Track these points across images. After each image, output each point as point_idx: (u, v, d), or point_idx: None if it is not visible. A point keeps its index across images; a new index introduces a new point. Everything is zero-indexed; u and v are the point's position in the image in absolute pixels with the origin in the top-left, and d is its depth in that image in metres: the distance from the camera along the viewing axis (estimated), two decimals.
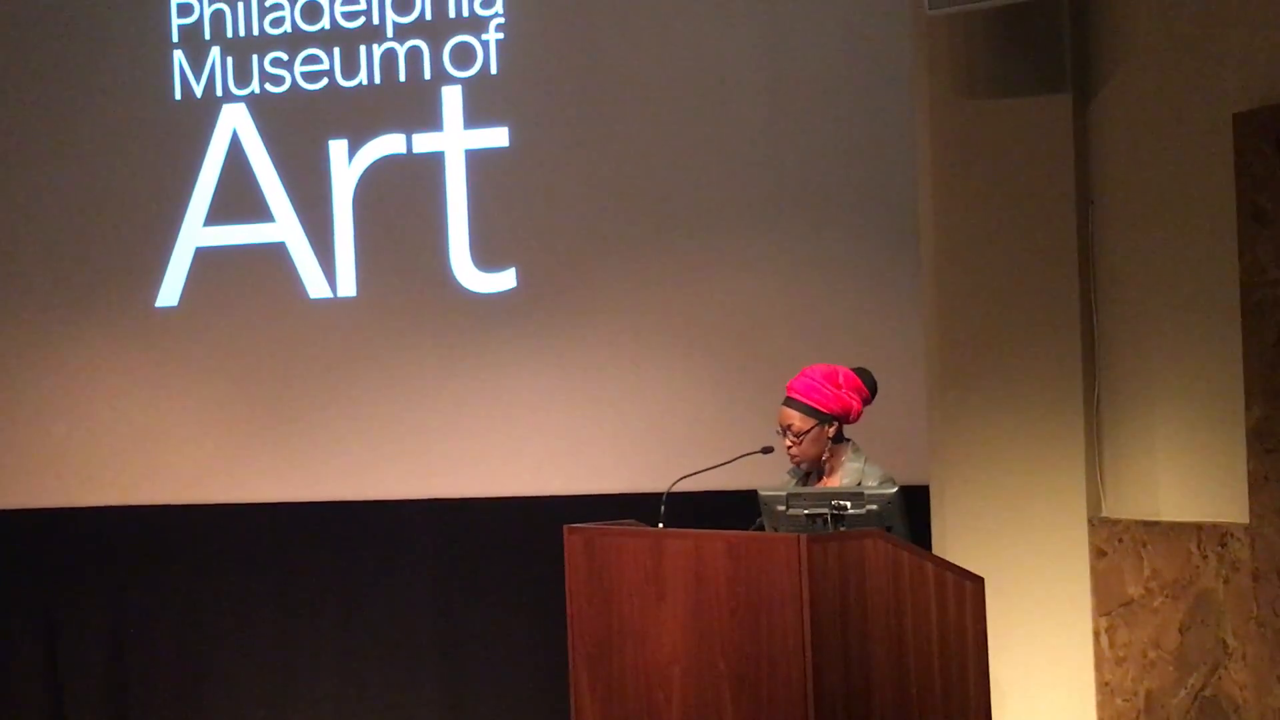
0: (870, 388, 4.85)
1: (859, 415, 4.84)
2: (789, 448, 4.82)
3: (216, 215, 7.03)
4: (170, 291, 7.07)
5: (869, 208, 6.49)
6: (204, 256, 7.04)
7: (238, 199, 7.00)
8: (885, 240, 6.43)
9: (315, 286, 6.96)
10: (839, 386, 4.80)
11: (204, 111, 7.04)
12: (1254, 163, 4.87)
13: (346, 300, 6.93)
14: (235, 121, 7.02)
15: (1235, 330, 4.93)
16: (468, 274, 6.84)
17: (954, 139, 5.62)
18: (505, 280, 6.81)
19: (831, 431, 4.81)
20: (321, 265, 6.95)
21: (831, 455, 4.83)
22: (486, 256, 6.83)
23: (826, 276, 6.53)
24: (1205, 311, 5.13)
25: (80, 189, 7.13)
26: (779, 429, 4.82)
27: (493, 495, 6.74)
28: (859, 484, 4.73)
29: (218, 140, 7.02)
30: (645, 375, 6.68)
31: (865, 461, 4.83)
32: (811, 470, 4.88)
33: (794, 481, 4.91)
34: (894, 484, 4.62)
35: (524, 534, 6.60)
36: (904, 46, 6.04)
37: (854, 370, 4.86)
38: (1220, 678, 5.05)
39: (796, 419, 4.79)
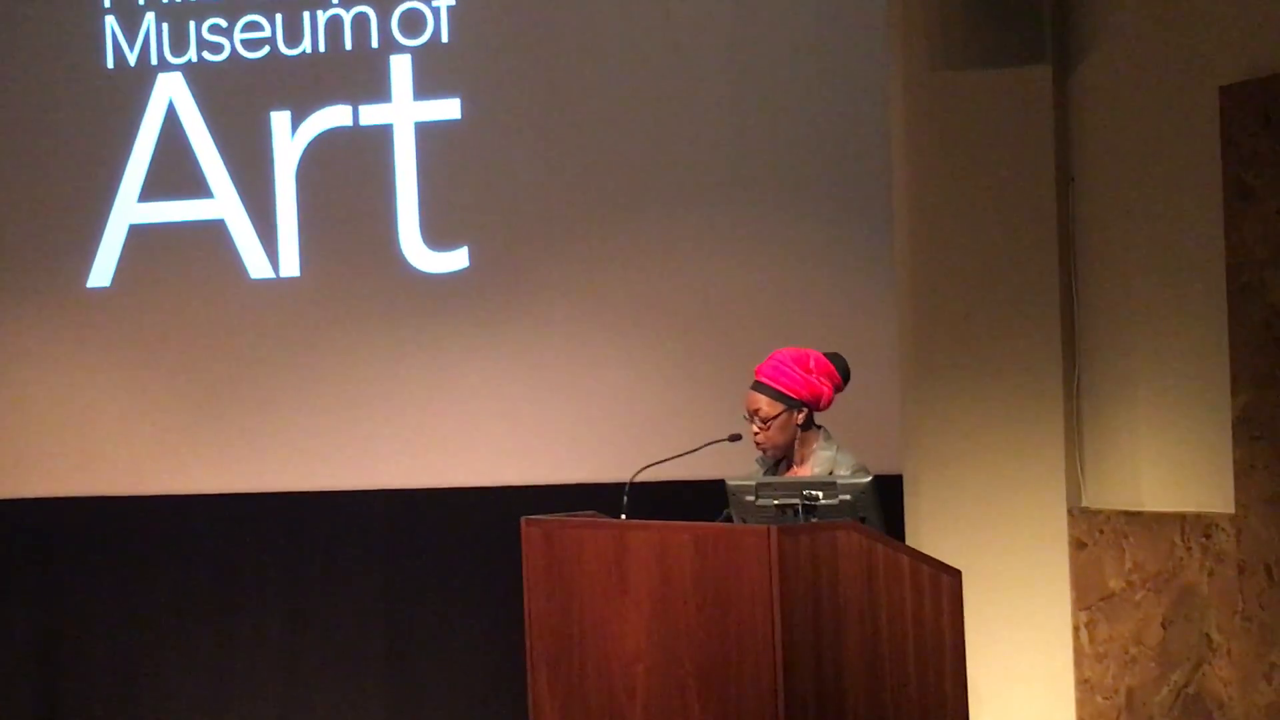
0: (843, 373, 4.85)
1: (830, 402, 4.83)
2: (756, 434, 4.81)
3: (151, 191, 6.97)
4: (102, 271, 7.01)
5: (839, 185, 6.49)
6: (138, 234, 6.99)
7: (174, 173, 6.94)
8: (856, 219, 6.43)
9: (256, 266, 6.92)
10: (809, 371, 4.79)
11: (138, 81, 6.98)
12: (1241, 138, 4.89)
13: (290, 281, 6.90)
14: (171, 92, 6.96)
15: (1221, 313, 4.97)
16: (418, 253, 6.81)
17: (928, 113, 5.62)
18: (457, 260, 6.79)
19: (800, 418, 4.80)
20: (263, 244, 6.91)
21: (801, 443, 4.83)
22: (437, 235, 6.80)
23: (796, 257, 6.53)
24: (1190, 293, 5.16)
25: (5, 163, 7.06)
26: (746, 414, 4.81)
27: (446, 486, 6.73)
28: (831, 473, 4.71)
29: (152, 111, 6.96)
30: (606, 360, 6.67)
31: (837, 450, 4.82)
32: (781, 459, 4.88)
33: (763, 471, 4.90)
34: (868, 473, 4.62)
35: (479, 527, 6.60)
36: (876, 15, 6.05)
37: (826, 355, 4.85)
38: (1204, 674, 5.08)
39: (764, 404, 4.78)
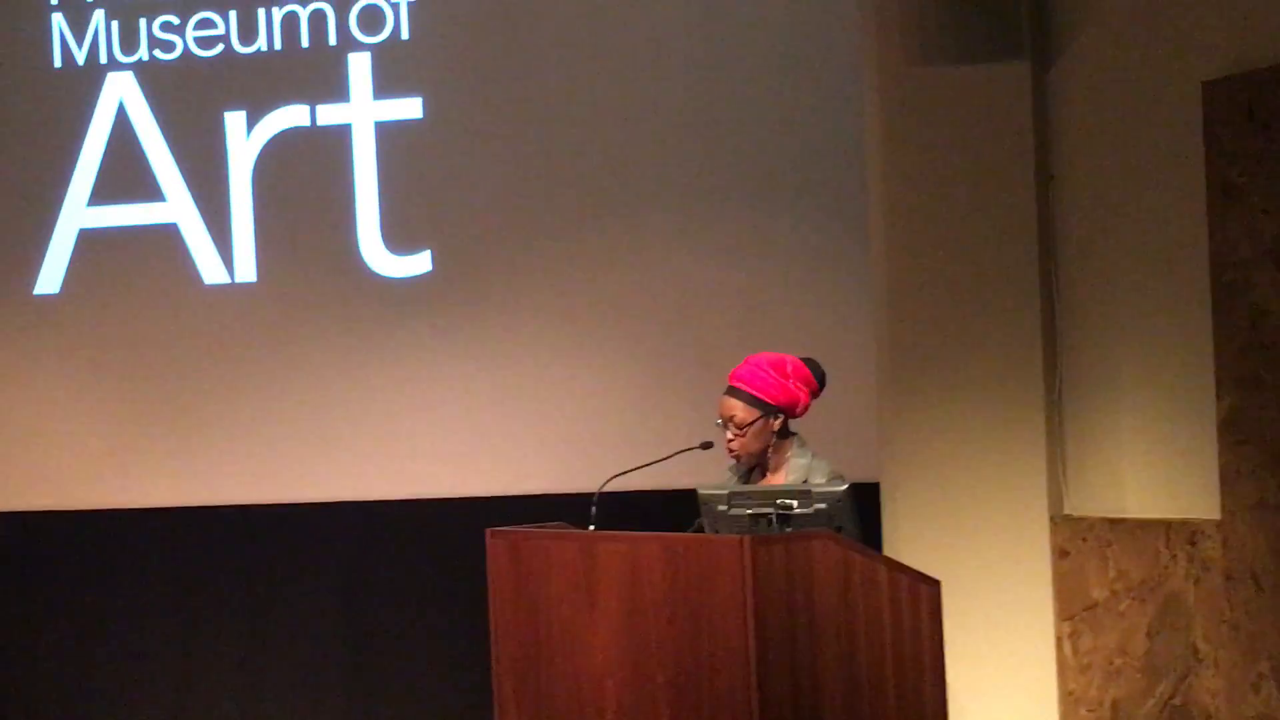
0: (819, 379, 4.86)
1: (806, 408, 4.84)
2: (730, 442, 4.81)
3: (101, 194, 6.95)
4: (51, 277, 6.99)
5: (813, 184, 6.51)
6: (88, 239, 6.97)
7: (125, 176, 6.93)
8: (831, 219, 6.46)
9: (211, 271, 6.91)
10: (786, 376, 4.79)
11: (87, 81, 6.96)
12: (1225, 134, 4.92)
13: (245, 286, 6.89)
14: (121, 92, 6.95)
15: (1206, 314, 4.99)
16: (378, 257, 6.81)
17: (904, 109, 5.64)
18: (419, 264, 6.79)
19: (777, 425, 4.81)
20: (218, 248, 6.90)
21: (776, 451, 4.83)
22: (399, 238, 6.80)
23: (768, 258, 6.55)
24: (1174, 294, 5.18)
25: None
26: (719, 421, 4.82)
27: (408, 497, 6.73)
28: (806, 481, 4.72)
29: (102, 112, 6.94)
30: (573, 366, 6.68)
31: (812, 457, 4.83)
32: (754, 467, 4.88)
33: (736, 479, 4.91)
34: (844, 481, 4.61)
35: (443, 539, 6.59)
36: (851, 9, 6.06)
37: (802, 360, 4.86)
38: (1191, 685, 5.10)
39: (739, 410, 4.79)
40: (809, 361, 4.86)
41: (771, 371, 4.79)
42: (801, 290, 6.52)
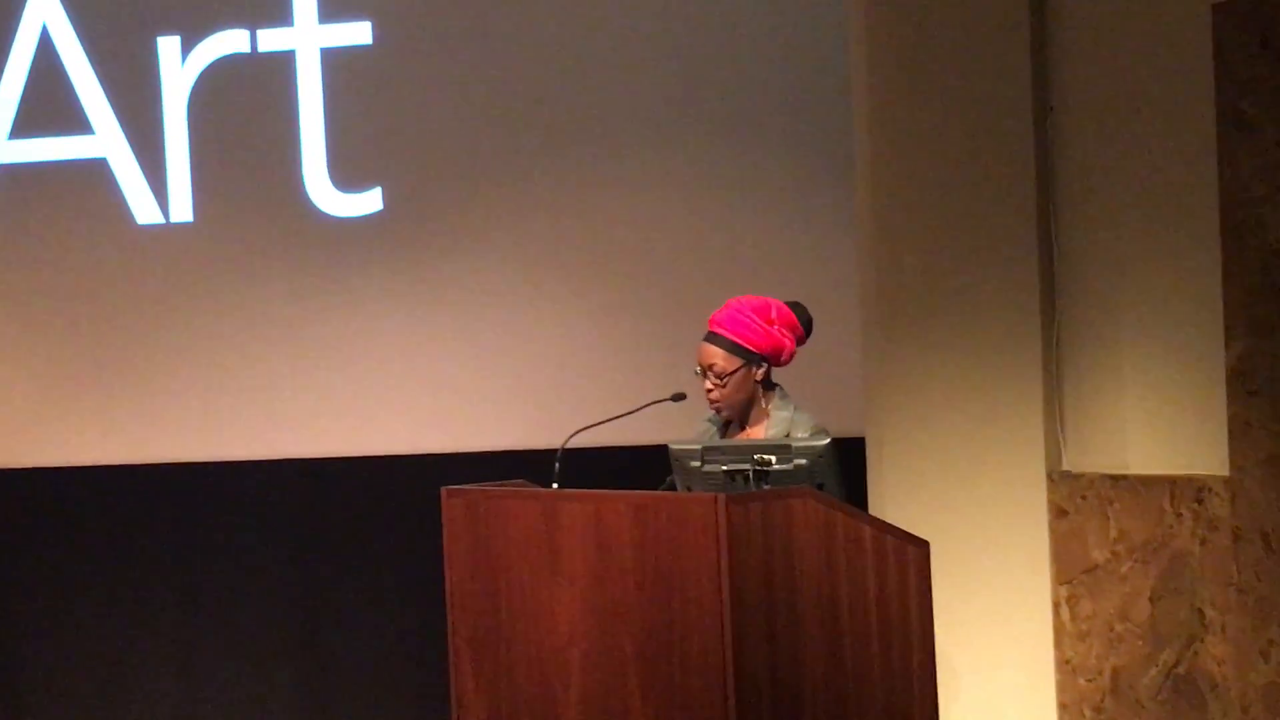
0: (805, 325, 4.85)
1: (792, 356, 4.83)
2: (709, 392, 4.80)
3: (24, 127, 6.91)
4: None
5: (795, 118, 6.50)
6: (9, 175, 6.93)
7: (49, 107, 6.88)
8: (814, 154, 6.45)
9: (144, 210, 6.88)
10: (771, 322, 4.78)
11: (5, 4, 6.90)
12: (1236, 62, 4.90)
13: (181, 227, 6.86)
14: (45, 15, 6.88)
15: (1214, 255, 4.98)
16: (325, 195, 6.78)
17: (893, 37, 5.62)
18: (369, 202, 6.77)
19: (760, 374, 4.80)
20: (151, 185, 6.87)
21: (756, 404, 4.82)
22: (347, 174, 6.77)
23: (745, 197, 6.54)
24: (1180, 234, 5.17)
25: None
26: (698, 369, 4.80)
27: (358, 454, 6.73)
28: (786, 435, 4.73)
29: (23, 38, 6.88)
30: (536, 312, 6.67)
31: (794, 410, 4.83)
32: (732, 420, 4.87)
33: (711, 433, 4.90)
34: (826, 435, 4.63)
35: (395, 499, 6.61)
36: None
37: (788, 304, 4.84)
38: (1196, 653, 5.12)
39: (720, 358, 4.77)
40: (795, 306, 4.84)
41: (755, 316, 4.77)
42: (782, 231, 6.52)
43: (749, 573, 3.98)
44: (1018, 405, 5.52)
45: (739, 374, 4.77)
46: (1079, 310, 5.50)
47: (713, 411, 4.90)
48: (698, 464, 4.56)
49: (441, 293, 6.73)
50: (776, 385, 4.87)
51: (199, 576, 6.88)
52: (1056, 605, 5.51)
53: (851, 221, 6.00)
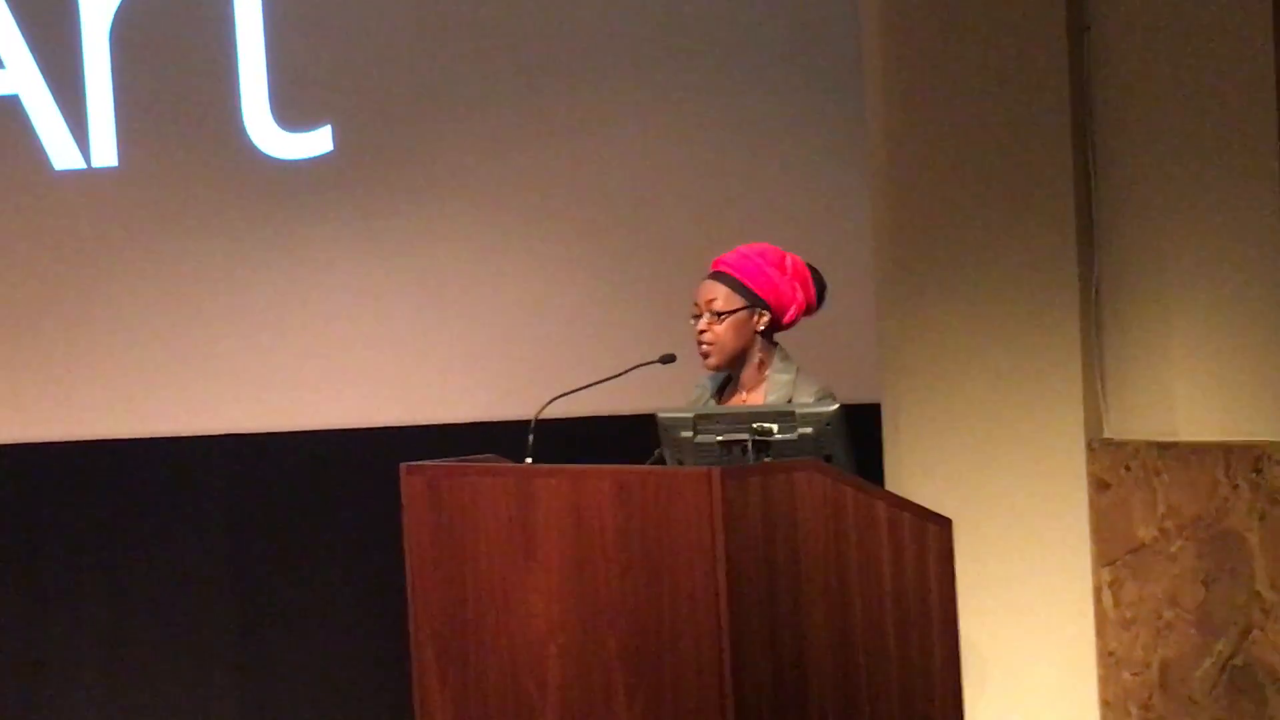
0: (819, 291, 4.88)
1: (795, 319, 4.85)
2: (702, 333, 4.82)
3: None
4: None
5: (799, 44, 6.51)
6: None
7: None
8: (820, 86, 6.46)
9: (62, 154, 6.88)
10: (783, 270, 4.82)
11: None
12: None
13: (105, 172, 6.86)
14: None
15: (1274, 192, 4.99)
16: (267, 135, 6.78)
17: None
18: (317, 142, 6.77)
19: (761, 323, 4.82)
20: (70, 126, 6.86)
21: (754, 360, 4.83)
22: (292, 112, 6.77)
23: (745, 137, 6.55)
24: (1235, 168, 5.18)
25: None
26: (694, 309, 4.80)
27: (305, 428, 6.74)
28: (789, 401, 4.73)
29: None
30: (507, 267, 6.68)
31: (797, 373, 4.84)
32: (725, 386, 4.87)
33: (705, 399, 4.90)
34: (834, 400, 4.63)
35: (347, 478, 6.64)
36: None
37: (806, 264, 4.86)
38: (1254, 641, 5.13)
39: (721, 295, 4.80)
40: (812, 268, 4.86)
41: (766, 263, 4.81)
42: (785, 175, 6.53)
43: (747, 557, 3.97)
44: (1052, 365, 5.53)
45: (739, 316, 4.79)
46: (1120, 257, 5.50)
47: (706, 372, 4.90)
48: (689, 434, 4.55)
49: (400, 244, 6.74)
50: (778, 345, 4.87)
51: (126, 566, 6.90)
52: (1098, 590, 5.52)
53: (864, 161, 6.00)
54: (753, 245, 4.87)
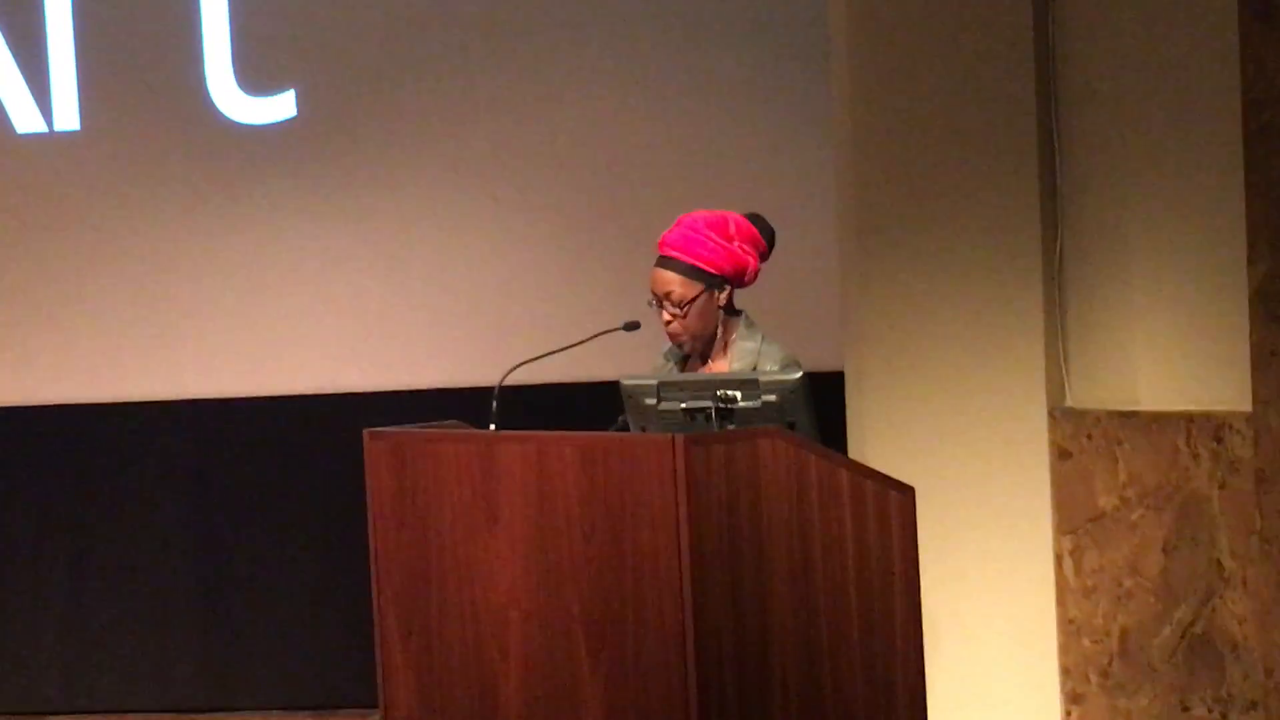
0: (767, 237, 4.84)
1: (756, 275, 4.81)
2: (668, 324, 4.79)
3: None
4: None
5: (766, 13, 6.52)
6: None
7: None
8: (786, 56, 6.45)
9: (23, 118, 6.85)
10: (730, 238, 4.76)
11: None
12: None
13: (67, 137, 6.84)
14: None
15: (1236, 161, 4.99)
16: (230, 99, 6.76)
17: None
18: (281, 107, 6.75)
19: (723, 298, 4.79)
20: (31, 90, 6.83)
21: (720, 333, 4.82)
22: (256, 76, 6.74)
23: (707, 97, 6.55)
24: (1198, 138, 5.18)
25: None
26: (652, 299, 4.78)
27: (267, 394, 6.74)
28: (754, 368, 4.72)
29: None
30: (470, 232, 6.67)
31: (762, 340, 4.83)
32: (694, 352, 4.86)
33: (669, 367, 4.89)
34: (799, 368, 4.62)
35: (310, 444, 6.65)
36: None
37: (745, 216, 4.82)
38: (1214, 609, 5.15)
39: (677, 284, 4.75)
40: (753, 217, 4.83)
41: (711, 234, 4.75)
42: (749, 143, 6.53)
43: (710, 523, 3.97)
44: (1015, 333, 5.53)
45: (700, 300, 4.76)
46: (1084, 225, 5.51)
47: (671, 345, 4.88)
48: (653, 401, 4.54)
49: (364, 210, 6.72)
50: (741, 312, 4.86)
51: (88, 532, 6.89)
52: (1059, 558, 5.54)
53: (828, 130, 5.98)
54: (693, 216, 4.80)
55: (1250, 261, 4.96)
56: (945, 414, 5.56)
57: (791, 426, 4.33)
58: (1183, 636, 5.24)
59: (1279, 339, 4.90)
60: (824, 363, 5.44)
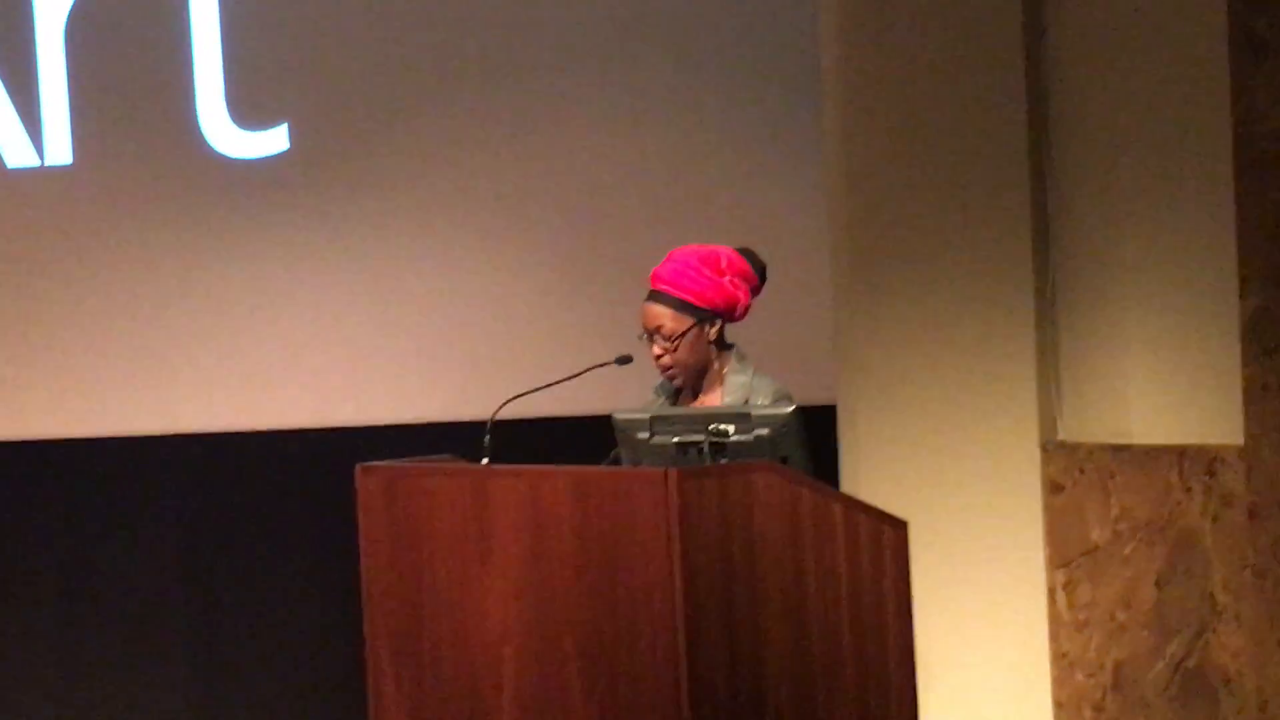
0: (758, 271, 4.86)
1: (747, 310, 4.83)
2: (659, 358, 4.81)
3: None
4: None
5: (758, 45, 6.51)
6: None
7: None
8: (779, 89, 6.46)
9: (15, 152, 6.84)
10: (720, 272, 4.78)
11: None
12: None
13: (59, 171, 6.83)
14: None
15: (1228, 195, 4.99)
16: (222, 133, 6.76)
17: None
18: (274, 141, 6.75)
19: (714, 333, 4.81)
20: (24, 123, 6.82)
21: (711, 367, 4.83)
22: (248, 110, 6.75)
23: (703, 137, 6.55)
24: (1190, 172, 5.19)
25: None
26: (644, 333, 4.79)
27: (262, 428, 6.72)
28: (746, 402, 4.74)
29: None
30: (463, 265, 6.67)
31: (754, 374, 4.84)
32: (685, 386, 4.87)
33: (661, 401, 4.90)
34: (791, 402, 4.64)
35: (302, 479, 6.63)
36: None
37: (736, 250, 4.84)
38: (1207, 643, 5.15)
39: (668, 319, 4.77)
40: (744, 251, 4.86)
41: (702, 268, 4.78)
42: (743, 175, 6.53)
43: (704, 558, 3.97)
44: (1007, 368, 5.54)
45: (690, 334, 4.78)
46: (1076, 259, 5.52)
47: (664, 379, 4.89)
48: (646, 435, 4.55)
49: (356, 244, 6.71)
50: (733, 346, 4.87)
51: (80, 567, 6.87)
52: (1052, 592, 5.54)
53: (821, 163, 6.00)
54: (685, 250, 4.83)
55: (1242, 295, 4.96)
56: (938, 448, 5.57)
57: (784, 460, 4.34)
58: (1176, 670, 5.24)
59: (1271, 373, 4.91)
60: (816, 396, 5.43)
